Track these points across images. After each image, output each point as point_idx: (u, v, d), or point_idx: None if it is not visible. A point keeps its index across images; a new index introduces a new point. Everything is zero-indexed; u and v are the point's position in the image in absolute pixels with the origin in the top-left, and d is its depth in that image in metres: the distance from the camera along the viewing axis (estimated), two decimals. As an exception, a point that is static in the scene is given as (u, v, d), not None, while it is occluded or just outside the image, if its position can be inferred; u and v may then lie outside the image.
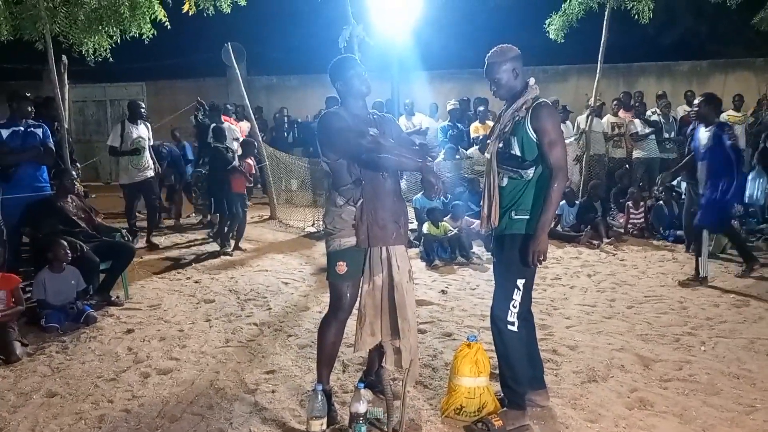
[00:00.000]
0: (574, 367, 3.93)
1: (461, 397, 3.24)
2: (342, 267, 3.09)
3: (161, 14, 6.94)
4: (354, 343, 3.18)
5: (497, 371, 3.56)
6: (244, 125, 10.41)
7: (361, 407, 2.98)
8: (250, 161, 8.04)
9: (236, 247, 7.45)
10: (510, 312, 3.09)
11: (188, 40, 14.00)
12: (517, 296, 3.09)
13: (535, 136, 3.02)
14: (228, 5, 7.37)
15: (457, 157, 9.85)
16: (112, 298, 5.30)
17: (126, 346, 4.34)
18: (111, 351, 4.25)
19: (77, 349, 4.31)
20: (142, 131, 7.57)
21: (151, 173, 7.63)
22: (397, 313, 3.06)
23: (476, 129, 10.36)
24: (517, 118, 3.07)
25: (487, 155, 3.21)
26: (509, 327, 3.11)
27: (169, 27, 7.14)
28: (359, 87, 3.15)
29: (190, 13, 7.28)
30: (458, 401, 3.25)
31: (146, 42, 7.26)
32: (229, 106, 10.45)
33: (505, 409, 3.21)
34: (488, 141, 3.25)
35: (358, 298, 3.16)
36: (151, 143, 7.70)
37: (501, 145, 3.12)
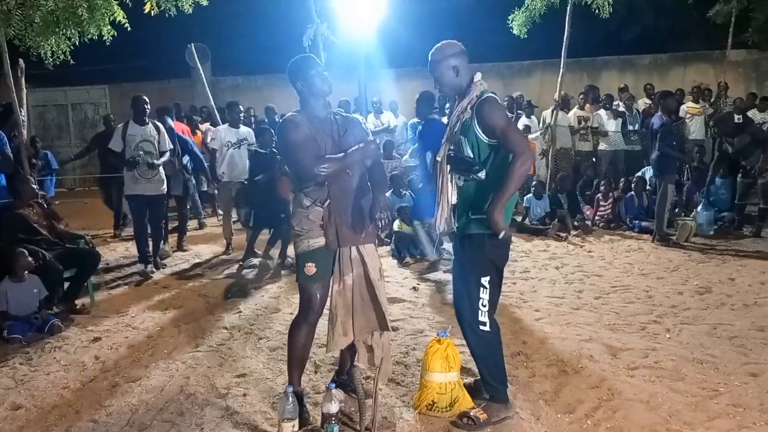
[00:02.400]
0: (545, 360, 3.98)
1: (433, 392, 3.26)
2: (311, 268, 3.07)
3: (120, 15, 6.80)
4: (326, 343, 3.16)
5: (468, 366, 3.61)
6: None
7: (333, 407, 2.97)
8: None
9: (283, 263, 6.51)
10: (480, 312, 3.09)
11: (153, 41, 13.79)
12: (485, 294, 3.08)
13: (484, 136, 2.96)
14: (190, 5, 7.25)
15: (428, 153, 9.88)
16: (78, 307, 5.18)
17: (93, 355, 4.25)
18: (77, 360, 4.16)
19: (42, 359, 4.20)
20: (150, 133, 6.25)
21: (162, 188, 6.34)
22: (382, 309, 3.07)
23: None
24: (464, 119, 3.03)
25: (438, 158, 3.16)
26: (482, 328, 3.11)
27: (129, 28, 7.00)
28: (321, 86, 3.11)
29: (152, 14, 7.15)
30: (430, 397, 3.26)
31: (108, 44, 7.10)
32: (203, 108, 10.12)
33: (488, 402, 3.24)
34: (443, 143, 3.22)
35: (329, 298, 3.15)
36: (166, 149, 6.37)
37: (452, 147, 3.08)
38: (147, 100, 6.27)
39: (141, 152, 6.07)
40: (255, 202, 6.70)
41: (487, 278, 3.09)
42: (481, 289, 3.08)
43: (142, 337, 4.58)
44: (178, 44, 10.65)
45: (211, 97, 9.60)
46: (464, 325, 3.18)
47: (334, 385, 3.14)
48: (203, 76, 9.71)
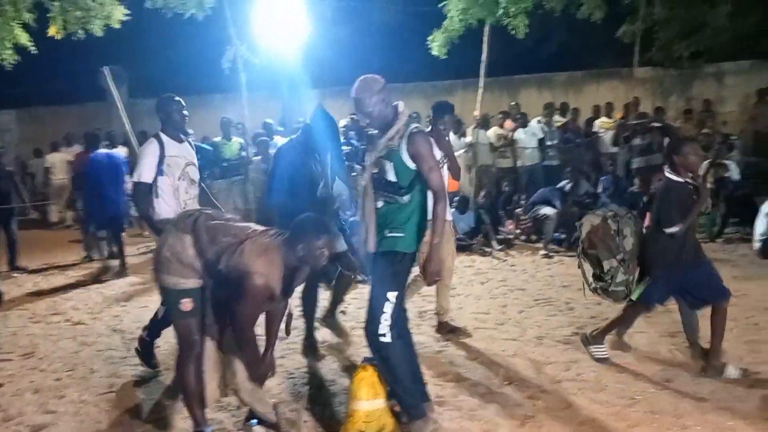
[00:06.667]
0: (471, 378, 3.99)
1: (359, 421, 3.20)
2: (188, 304, 2.98)
3: (24, 39, 6.47)
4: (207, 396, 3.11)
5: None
6: (122, 151, 9.89)
7: (254, 445, 2.87)
8: None
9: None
10: (381, 325, 3.12)
11: (68, 63, 13.25)
12: (388, 309, 3.13)
13: (411, 163, 3.10)
14: (101, 28, 7.01)
15: (353, 174, 9.87)
16: (-22, 350, 4.81)
17: (-6, 404, 3.93)
18: (-24, 411, 3.84)
19: (-65, 412, 3.85)
20: (191, 153, 4.30)
21: None
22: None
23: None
24: (392, 146, 3.13)
25: (362, 182, 3.26)
26: (381, 339, 3.13)
27: (35, 51, 6.68)
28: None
29: (57, 37, 6.85)
30: (357, 426, 3.20)
31: (10, 68, 6.74)
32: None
33: (406, 424, 3.21)
34: (363, 164, 3.30)
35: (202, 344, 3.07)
36: (196, 178, 4.30)
37: (376, 171, 3.18)
38: (184, 103, 4.19)
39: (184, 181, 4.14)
40: None
41: (395, 294, 3.14)
42: (386, 303, 3.13)
43: (50, 381, 4.27)
44: (95, 65, 10.25)
45: (127, 121, 9.23)
46: (368, 340, 3.21)
47: (255, 421, 3.03)
48: (117, 99, 9.32)
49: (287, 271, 2.97)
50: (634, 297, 4.04)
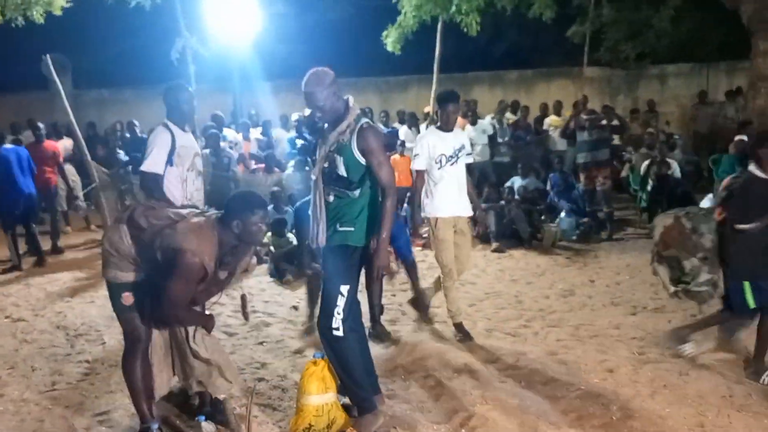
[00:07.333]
0: (422, 372, 4.03)
1: (309, 416, 3.21)
2: (129, 298, 2.96)
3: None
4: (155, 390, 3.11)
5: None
6: (67, 143, 9.57)
7: (203, 442, 2.84)
8: None
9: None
10: (334, 318, 3.14)
11: (9, 50, 12.68)
12: (341, 302, 3.15)
13: (361, 158, 3.13)
14: (41, 15, 6.75)
15: (306, 168, 9.82)
16: None
17: (-73, 405, 3.76)
18: None
19: None
20: (193, 143, 4.09)
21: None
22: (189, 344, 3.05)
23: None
24: (343, 141, 3.14)
25: (313, 176, 3.26)
26: (334, 333, 3.15)
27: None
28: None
29: (-6, 24, 6.57)
30: (307, 420, 3.20)
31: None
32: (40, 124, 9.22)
33: (357, 419, 3.23)
34: (314, 158, 3.30)
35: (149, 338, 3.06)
36: (201, 169, 4.10)
37: (326, 165, 3.19)
38: (193, 93, 4.03)
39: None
40: None
41: (347, 287, 3.17)
42: (339, 296, 3.15)
43: (-12, 380, 4.12)
44: (37, 54, 9.88)
45: (70, 111, 8.91)
46: (321, 335, 3.23)
47: (203, 417, 3.00)
48: (61, 89, 8.99)
49: (227, 249, 2.94)
50: (751, 305, 3.69)
